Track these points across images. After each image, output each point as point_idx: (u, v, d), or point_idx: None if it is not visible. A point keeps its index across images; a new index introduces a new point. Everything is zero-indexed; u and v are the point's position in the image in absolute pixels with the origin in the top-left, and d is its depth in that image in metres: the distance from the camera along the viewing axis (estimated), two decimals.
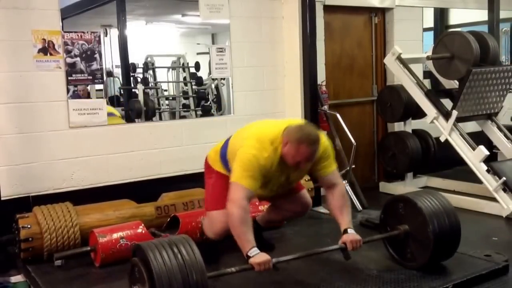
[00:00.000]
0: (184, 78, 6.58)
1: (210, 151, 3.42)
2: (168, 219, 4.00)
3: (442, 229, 3.16)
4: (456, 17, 7.41)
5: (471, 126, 5.85)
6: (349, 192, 4.98)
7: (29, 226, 3.58)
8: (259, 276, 2.94)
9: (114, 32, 5.64)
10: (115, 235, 3.57)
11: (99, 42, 4.48)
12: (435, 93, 5.32)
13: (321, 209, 4.87)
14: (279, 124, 3.06)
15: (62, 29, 4.24)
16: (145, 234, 3.67)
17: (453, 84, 5.54)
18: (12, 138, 4.04)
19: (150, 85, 6.55)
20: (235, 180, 2.90)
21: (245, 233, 2.80)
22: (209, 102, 6.24)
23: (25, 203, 3.99)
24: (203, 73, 6.23)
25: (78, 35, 4.34)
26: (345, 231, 3.08)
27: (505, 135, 5.37)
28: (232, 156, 3.07)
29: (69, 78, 4.29)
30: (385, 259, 3.45)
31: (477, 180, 4.92)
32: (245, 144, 2.97)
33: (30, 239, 3.56)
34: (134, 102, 5.65)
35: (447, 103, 5.22)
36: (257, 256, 2.77)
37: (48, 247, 3.59)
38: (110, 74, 5.18)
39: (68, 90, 4.34)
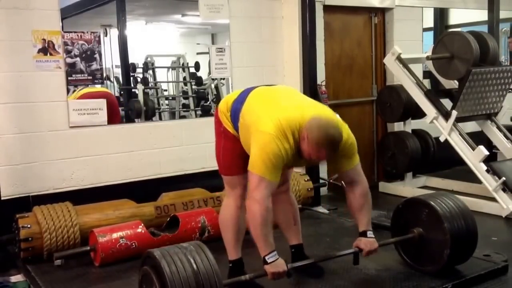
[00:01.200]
0: (184, 78, 6.59)
1: (221, 102, 3.03)
2: (168, 219, 4.00)
3: (459, 232, 3.04)
4: (456, 17, 7.41)
5: (471, 126, 5.85)
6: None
7: (29, 225, 3.59)
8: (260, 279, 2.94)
9: (114, 32, 5.65)
10: (114, 235, 3.58)
11: (99, 42, 4.49)
12: (435, 93, 5.32)
13: (320, 209, 4.88)
14: (304, 108, 2.78)
15: (62, 29, 4.24)
16: (144, 234, 3.68)
17: (453, 84, 5.54)
18: (12, 138, 4.04)
19: (150, 85, 6.56)
20: (259, 173, 2.63)
21: (266, 235, 2.64)
22: (209, 102, 6.24)
23: (25, 203, 4.00)
24: (203, 73, 6.23)
25: (78, 35, 4.35)
26: (363, 234, 2.94)
27: (505, 135, 5.37)
28: (245, 125, 2.80)
29: (69, 78, 4.30)
30: (383, 258, 3.45)
31: (477, 180, 4.92)
32: (267, 131, 2.64)
33: (30, 238, 3.56)
34: (134, 102, 5.66)
35: (446, 103, 5.22)
36: (274, 263, 2.65)
37: (48, 247, 3.60)
38: (107, 78, 5.17)
39: (68, 90, 4.35)
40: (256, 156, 2.66)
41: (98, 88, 4.82)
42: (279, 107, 2.76)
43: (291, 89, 3.18)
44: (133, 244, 3.59)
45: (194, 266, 2.34)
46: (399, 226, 3.29)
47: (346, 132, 2.84)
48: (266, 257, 2.65)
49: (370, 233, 2.94)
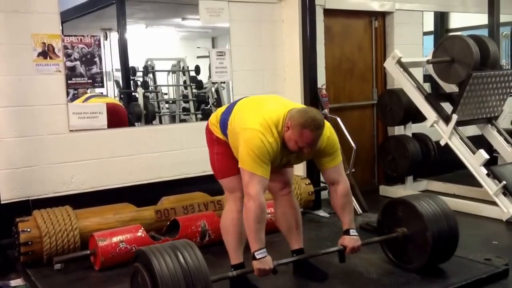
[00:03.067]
0: (184, 82, 6.58)
1: (212, 116, 3.20)
2: (168, 223, 3.99)
3: (440, 232, 3.16)
4: (456, 21, 7.42)
5: (471, 130, 5.84)
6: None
7: (28, 229, 3.58)
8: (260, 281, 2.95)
9: (114, 36, 5.65)
10: (114, 239, 3.57)
11: (99, 45, 4.49)
12: (435, 96, 5.32)
13: (321, 213, 4.87)
14: (282, 105, 2.92)
15: (62, 33, 4.24)
16: (144, 238, 3.67)
17: (453, 88, 5.54)
18: (12, 142, 4.04)
19: (150, 88, 6.56)
20: (249, 169, 2.74)
21: (258, 231, 2.73)
22: (209, 106, 6.24)
23: (25, 207, 3.99)
24: (203, 77, 6.23)
25: (78, 38, 4.35)
26: (347, 232, 3.04)
27: (505, 139, 5.37)
28: (233, 130, 2.93)
29: (69, 81, 4.29)
30: (384, 262, 3.45)
31: (477, 184, 4.92)
32: (251, 127, 2.79)
33: (30, 242, 3.55)
34: (134, 106, 5.65)
35: (447, 107, 5.22)
36: (262, 260, 2.73)
37: (48, 251, 3.58)
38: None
39: (68, 94, 4.34)
40: (244, 152, 2.77)
41: (107, 98, 4.78)
42: (263, 108, 2.92)
43: (277, 96, 3.31)
44: (133, 248, 3.57)
45: (183, 262, 2.42)
46: (384, 226, 3.41)
47: (329, 129, 2.96)
48: (256, 253, 2.73)
49: (353, 231, 3.04)
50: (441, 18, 7.28)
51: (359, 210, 4.88)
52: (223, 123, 3.03)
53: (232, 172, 2.99)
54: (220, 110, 3.16)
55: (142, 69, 6.37)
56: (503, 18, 6.45)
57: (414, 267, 3.26)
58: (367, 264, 3.45)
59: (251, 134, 2.77)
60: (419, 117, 5.40)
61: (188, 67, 6.47)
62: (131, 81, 6.10)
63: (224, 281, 2.91)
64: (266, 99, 3.13)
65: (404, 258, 3.32)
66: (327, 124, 2.95)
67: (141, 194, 4.39)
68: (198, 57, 6.35)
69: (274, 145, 2.79)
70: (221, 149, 3.07)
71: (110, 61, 5.82)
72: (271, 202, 4.20)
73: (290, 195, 3.25)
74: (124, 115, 4.98)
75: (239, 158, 2.83)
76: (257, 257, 2.72)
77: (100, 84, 4.47)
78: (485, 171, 4.78)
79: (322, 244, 3.94)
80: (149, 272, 2.42)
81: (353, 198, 4.90)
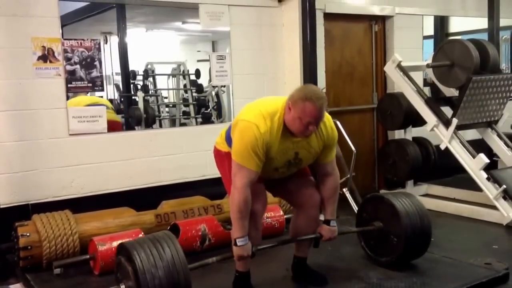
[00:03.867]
0: (185, 86, 6.59)
1: (217, 139, 3.23)
2: (168, 227, 3.98)
3: (414, 229, 3.30)
4: (456, 25, 7.42)
5: (471, 134, 5.84)
6: (349, 200, 4.97)
7: (28, 234, 3.57)
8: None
9: (114, 39, 5.65)
10: (114, 243, 3.54)
11: (99, 49, 4.49)
12: (435, 101, 5.31)
13: (321, 217, 4.85)
14: (280, 99, 2.95)
15: (62, 37, 4.24)
16: None
17: (453, 92, 5.53)
18: (11, 146, 4.03)
19: (150, 92, 6.56)
20: (239, 161, 2.80)
21: (241, 220, 2.80)
22: (209, 110, 6.24)
23: (24, 211, 3.98)
24: (203, 80, 6.23)
25: (78, 42, 4.35)
26: (327, 222, 3.13)
27: (505, 143, 5.36)
28: (234, 131, 2.95)
29: (69, 85, 4.29)
30: (385, 267, 3.44)
31: (478, 188, 4.91)
32: (245, 119, 2.84)
33: (29, 247, 3.54)
34: (134, 110, 5.66)
35: (447, 111, 5.21)
36: (242, 247, 2.82)
37: (47, 255, 3.58)
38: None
39: (68, 97, 4.34)
40: (236, 144, 2.84)
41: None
42: (260, 103, 2.98)
43: (268, 97, 3.32)
44: None
45: (162, 253, 2.58)
46: (362, 219, 3.57)
47: (331, 124, 3.01)
48: (237, 240, 2.83)
49: (333, 222, 3.15)
50: (441, 22, 7.28)
51: None
52: (228, 138, 3.04)
53: None
54: (224, 130, 3.19)
55: (142, 73, 6.37)
56: (502, 22, 6.45)
57: (386, 261, 3.41)
58: (367, 268, 3.45)
59: (244, 125, 2.81)
60: (419, 121, 5.40)
61: (188, 70, 6.47)
62: (131, 85, 6.10)
63: (225, 283, 2.91)
64: (265, 98, 3.16)
65: (378, 251, 3.48)
66: (327, 115, 2.98)
67: (141, 198, 4.37)
68: (198, 60, 6.35)
69: (267, 136, 2.79)
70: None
71: (110, 65, 5.83)
72: (272, 206, 4.22)
73: (317, 208, 3.24)
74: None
75: (232, 146, 2.88)
76: (238, 244, 2.82)
77: (100, 87, 4.46)
78: (485, 175, 4.78)
79: (322, 248, 3.92)
80: (130, 264, 2.57)
81: (353, 202, 4.94)
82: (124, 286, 2.64)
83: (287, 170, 3.03)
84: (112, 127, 4.56)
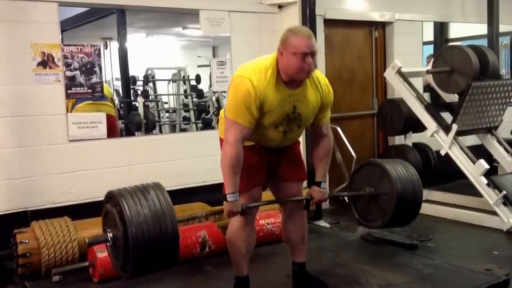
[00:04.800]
0: (185, 91, 6.60)
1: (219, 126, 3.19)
2: None
3: (405, 195, 3.28)
4: (456, 31, 7.43)
5: (471, 140, 5.84)
6: (350, 206, 4.95)
7: (27, 241, 3.55)
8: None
9: (114, 45, 5.65)
10: None
11: (99, 55, 4.47)
12: (435, 106, 5.31)
13: (322, 223, 4.85)
14: (272, 54, 2.92)
15: (62, 42, 4.23)
16: None
17: (453, 97, 5.54)
18: (10, 152, 4.01)
19: (150, 97, 6.56)
20: (232, 117, 2.78)
21: (232, 175, 2.79)
22: (209, 115, 6.24)
23: (23, 218, 3.97)
24: (203, 86, 6.24)
25: (78, 48, 4.34)
26: (318, 184, 3.10)
27: (505, 149, 5.36)
28: (229, 89, 2.93)
29: (69, 91, 4.28)
30: (385, 273, 3.44)
31: (478, 194, 4.90)
32: (238, 75, 2.83)
33: (28, 254, 3.52)
34: (134, 115, 5.65)
35: (447, 116, 5.21)
36: (232, 203, 2.81)
37: (46, 263, 3.55)
38: None
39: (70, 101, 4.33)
40: (230, 99, 2.82)
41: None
42: (252, 62, 2.91)
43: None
44: None
45: (151, 202, 2.54)
46: (355, 184, 3.55)
47: (326, 81, 2.98)
48: (228, 195, 2.81)
49: (323, 184, 3.12)
50: (440, 28, 7.30)
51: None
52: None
53: (245, 188, 2.95)
54: (222, 112, 3.15)
55: (142, 78, 6.38)
56: (502, 28, 6.45)
57: (376, 225, 3.42)
58: (368, 275, 3.44)
59: (238, 81, 2.79)
60: (419, 127, 5.39)
61: (188, 76, 6.48)
62: (131, 90, 6.10)
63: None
64: (258, 57, 3.07)
65: (368, 216, 3.46)
66: (322, 74, 3.00)
67: None
68: (198, 66, 6.36)
69: (261, 88, 2.75)
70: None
71: (110, 71, 5.83)
72: (272, 213, 4.21)
73: (302, 209, 3.24)
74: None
75: (225, 106, 2.88)
76: (229, 199, 2.82)
77: (100, 93, 4.45)
78: (485, 181, 4.77)
79: (323, 255, 3.93)
80: (118, 213, 2.52)
81: (354, 209, 4.93)
82: (111, 234, 2.60)
83: (288, 129, 2.93)
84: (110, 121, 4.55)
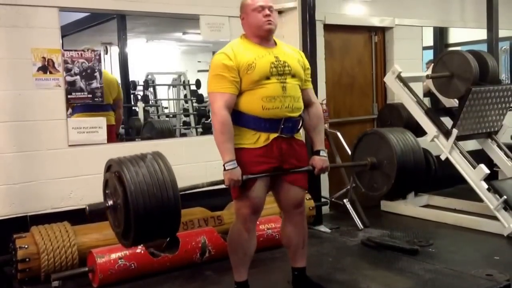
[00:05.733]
0: (185, 96, 6.61)
1: None
2: (168, 239, 3.96)
3: (405, 163, 3.33)
4: (456, 36, 7.45)
5: (472, 145, 5.83)
6: (350, 211, 4.96)
7: (26, 246, 3.54)
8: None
9: (114, 50, 5.66)
10: (113, 256, 3.53)
11: (99, 60, 4.48)
12: (435, 111, 5.31)
13: (322, 228, 4.84)
14: None
15: (62, 47, 4.24)
16: (143, 254, 3.64)
17: (453, 102, 5.54)
18: (10, 157, 4.01)
19: (150, 102, 6.57)
20: (212, 89, 2.89)
21: (224, 142, 2.82)
22: (209, 120, 6.24)
23: (23, 223, 3.95)
24: (204, 91, 6.24)
25: (78, 53, 4.35)
26: (317, 152, 3.12)
27: (505, 154, 5.35)
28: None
29: (69, 96, 4.28)
30: (386, 278, 3.43)
31: (478, 199, 4.89)
32: (215, 54, 2.99)
33: (27, 259, 3.51)
34: (135, 120, 5.66)
35: (447, 121, 5.21)
36: (231, 171, 2.81)
37: (46, 268, 3.54)
38: None
39: (67, 108, 4.33)
40: (208, 77, 2.93)
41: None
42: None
43: None
44: (132, 265, 3.55)
45: (153, 171, 2.53)
46: (357, 154, 3.64)
47: (300, 51, 3.21)
48: (226, 165, 2.82)
49: (322, 152, 3.13)
50: (440, 33, 7.31)
51: (360, 226, 4.85)
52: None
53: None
54: None
55: (142, 83, 6.39)
56: (502, 33, 6.47)
57: (379, 194, 3.54)
58: (368, 280, 3.43)
59: (215, 57, 2.94)
60: (419, 132, 5.38)
61: (188, 81, 6.49)
62: (132, 95, 6.11)
63: None
64: None
65: (374, 185, 3.56)
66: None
67: None
68: (198, 71, 6.37)
69: (232, 52, 2.88)
70: None
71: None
72: (273, 218, 4.20)
73: (303, 215, 3.23)
74: None
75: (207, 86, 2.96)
76: (227, 168, 2.81)
77: (100, 98, 4.45)
78: (486, 186, 4.76)
79: (323, 259, 3.92)
80: (118, 178, 2.50)
81: (354, 213, 4.93)
82: (111, 201, 2.57)
83: (283, 79, 2.92)
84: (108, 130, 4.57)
